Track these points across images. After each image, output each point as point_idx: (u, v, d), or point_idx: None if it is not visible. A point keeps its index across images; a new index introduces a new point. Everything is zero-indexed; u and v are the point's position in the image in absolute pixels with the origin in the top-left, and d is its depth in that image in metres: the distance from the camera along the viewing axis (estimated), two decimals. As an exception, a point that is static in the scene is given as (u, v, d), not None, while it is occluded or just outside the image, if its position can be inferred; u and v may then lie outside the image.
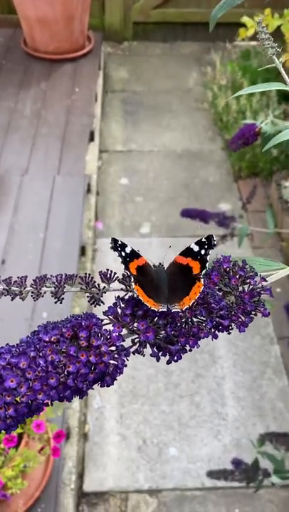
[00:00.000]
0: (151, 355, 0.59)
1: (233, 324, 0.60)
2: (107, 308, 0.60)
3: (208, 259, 0.62)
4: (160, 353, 0.59)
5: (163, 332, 0.58)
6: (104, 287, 0.62)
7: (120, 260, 0.63)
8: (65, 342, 0.55)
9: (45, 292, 0.61)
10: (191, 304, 0.59)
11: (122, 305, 0.60)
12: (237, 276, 0.61)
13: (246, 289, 0.61)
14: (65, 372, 0.54)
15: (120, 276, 0.63)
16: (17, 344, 0.56)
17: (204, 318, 0.58)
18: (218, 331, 0.60)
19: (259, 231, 3.32)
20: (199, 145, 4.31)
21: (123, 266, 0.63)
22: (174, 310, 0.58)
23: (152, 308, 0.58)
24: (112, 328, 0.57)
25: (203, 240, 0.64)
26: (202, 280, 0.60)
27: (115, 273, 0.64)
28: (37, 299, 0.60)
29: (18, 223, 3.16)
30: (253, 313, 0.60)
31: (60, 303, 0.61)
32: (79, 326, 0.56)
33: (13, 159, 3.68)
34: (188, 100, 4.81)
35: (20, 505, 1.94)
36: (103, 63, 5.14)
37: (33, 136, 3.91)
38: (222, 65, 4.73)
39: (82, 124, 4.08)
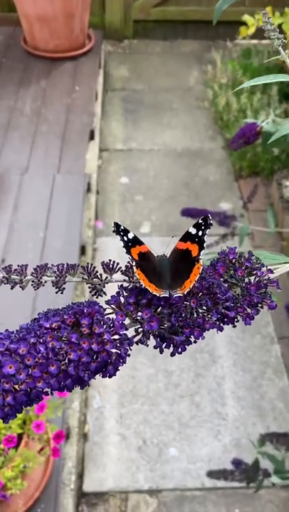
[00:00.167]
0: (154, 346, 0.57)
1: (238, 316, 0.58)
2: (110, 297, 0.58)
3: (205, 239, 0.62)
4: (164, 345, 0.57)
5: (167, 322, 0.56)
6: (107, 278, 0.61)
7: (122, 244, 0.62)
8: (66, 329, 0.53)
9: (45, 281, 0.59)
10: (191, 287, 0.58)
11: (125, 294, 0.58)
12: (243, 268, 0.59)
13: (252, 280, 0.59)
14: (66, 360, 0.52)
15: (123, 268, 0.61)
16: (16, 330, 0.54)
17: (209, 309, 0.56)
18: (224, 324, 0.58)
19: (260, 230, 3.31)
20: (200, 144, 4.29)
21: (124, 250, 0.62)
22: (175, 295, 0.57)
23: (154, 293, 0.57)
24: (114, 317, 0.55)
25: (200, 221, 0.63)
26: (201, 261, 0.60)
27: (118, 263, 0.62)
28: (37, 288, 0.58)
29: (17, 222, 3.14)
30: (260, 305, 0.58)
31: (62, 293, 0.59)
32: (81, 313, 0.54)
33: (12, 158, 3.67)
34: (189, 99, 4.80)
35: (20, 506, 1.93)
36: (103, 61, 5.12)
37: (33, 134, 3.90)
38: (223, 64, 4.72)
39: (82, 122, 4.06)
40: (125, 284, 0.59)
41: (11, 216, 3.17)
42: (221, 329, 0.58)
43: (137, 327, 0.56)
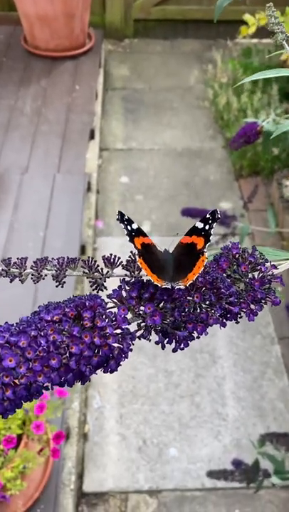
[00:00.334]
0: (156, 342, 0.56)
1: (242, 312, 0.57)
2: (112, 291, 0.57)
3: (212, 232, 0.61)
4: (166, 340, 0.56)
5: (170, 317, 0.55)
6: (108, 272, 0.60)
7: (125, 233, 0.62)
8: (68, 322, 0.52)
9: (46, 275, 0.58)
10: (194, 280, 0.57)
11: (127, 288, 0.57)
12: (247, 263, 0.58)
13: (256, 276, 0.58)
14: (68, 354, 0.51)
15: (124, 262, 0.60)
16: (17, 323, 0.53)
17: (213, 304, 0.55)
18: (226, 319, 0.57)
19: (260, 230, 3.30)
20: (200, 143, 4.28)
21: (128, 238, 0.61)
22: (177, 287, 0.57)
23: (155, 283, 0.56)
24: (117, 311, 0.54)
25: (208, 216, 0.63)
26: (206, 254, 0.59)
27: (119, 258, 0.61)
28: (37, 282, 0.57)
29: (18, 222, 3.13)
30: (263, 301, 0.57)
31: (62, 286, 0.58)
32: (83, 306, 0.53)
33: (13, 157, 3.66)
34: (189, 98, 4.79)
35: (20, 506, 1.92)
36: (104, 61, 5.12)
37: (33, 134, 3.89)
38: (223, 63, 4.71)
39: (82, 122, 4.05)
40: (127, 279, 0.58)
41: (11, 216, 3.16)
42: (224, 325, 0.57)
43: (139, 321, 0.55)
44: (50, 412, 1.90)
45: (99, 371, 0.54)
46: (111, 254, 0.61)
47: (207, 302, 0.55)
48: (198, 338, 0.56)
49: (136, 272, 0.59)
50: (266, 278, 0.57)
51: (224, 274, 0.59)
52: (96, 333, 0.52)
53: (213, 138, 4.33)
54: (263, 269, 0.58)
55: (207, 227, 0.62)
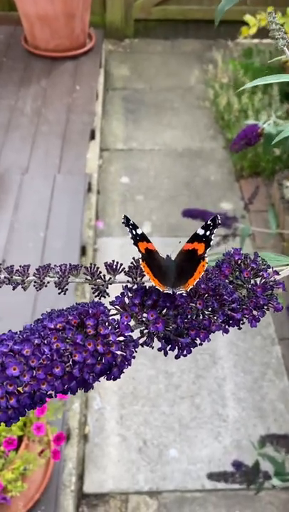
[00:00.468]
0: (159, 349, 0.56)
1: (244, 319, 0.57)
2: (114, 297, 0.57)
3: (212, 238, 0.62)
4: (168, 347, 0.56)
5: (173, 324, 0.55)
6: (110, 278, 0.60)
7: (130, 236, 0.62)
8: (71, 329, 0.52)
9: (48, 282, 0.58)
10: (196, 286, 0.57)
11: (130, 294, 0.57)
12: (249, 269, 0.58)
13: (259, 282, 0.58)
14: (71, 362, 0.51)
15: (126, 268, 0.60)
16: (20, 331, 0.53)
17: (216, 311, 0.55)
18: (229, 326, 0.57)
19: (261, 231, 3.29)
20: (200, 143, 4.28)
21: (132, 242, 0.62)
22: (178, 292, 0.57)
23: (157, 287, 0.56)
24: (120, 318, 0.54)
25: (209, 222, 0.63)
26: (206, 259, 0.59)
27: (121, 264, 0.61)
28: (40, 289, 0.57)
29: (18, 222, 3.13)
30: (266, 307, 0.57)
31: (64, 294, 0.58)
32: (86, 314, 0.53)
33: (13, 157, 3.65)
34: (190, 98, 4.78)
35: (20, 508, 1.92)
36: (104, 61, 5.11)
37: (34, 134, 3.88)
38: (224, 63, 4.71)
39: (82, 122, 4.05)
40: (129, 285, 0.58)
41: (12, 216, 3.16)
42: (226, 331, 0.57)
43: (142, 328, 0.55)
44: (50, 413, 1.90)
45: (102, 378, 0.54)
46: (113, 261, 0.60)
47: (210, 309, 0.55)
48: (200, 344, 0.56)
49: (138, 278, 0.59)
50: (268, 284, 0.57)
51: (226, 280, 0.58)
52: (99, 340, 0.52)
53: (213, 138, 4.33)
54: (265, 275, 0.58)
55: (208, 233, 0.62)
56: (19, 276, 0.57)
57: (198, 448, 2.44)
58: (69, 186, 3.46)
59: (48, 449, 1.91)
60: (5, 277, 0.56)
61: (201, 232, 0.63)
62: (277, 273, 0.58)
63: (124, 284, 0.58)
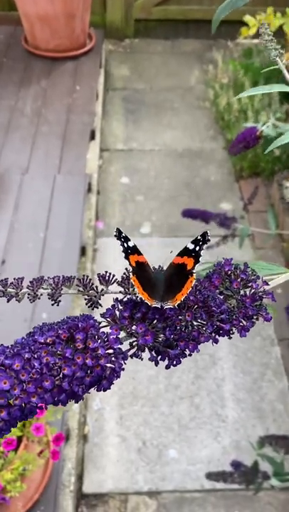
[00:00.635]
0: (149, 359, 0.57)
1: (234, 328, 0.58)
2: (105, 310, 0.58)
3: (201, 253, 0.63)
4: (159, 357, 0.57)
5: (162, 335, 0.56)
6: (103, 290, 0.61)
7: (121, 249, 0.63)
8: (60, 344, 0.53)
9: (41, 294, 0.59)
10: (185, 299, 0.58)
11: (120, 307, 0.58)
12: (239, 280, 0.59)
13: (248, 292, 0.59)
14: (61, 375, 0.52)
15: (119, 279, 0.61)
16: (11, 345, 0.54)
17: (205, 322, 0.56)
18: (219, 335, 0.58)
19: (260, 232, 3.30)
20: (200, 144, 4.29)
21: (124, 255, 0.63)
22: (166, 306, 0.58)
23: (146, 301, 0.57)
24: (109, 331, 0.55)
25: (199, 237, 0.64)
26: (194, 275, 0.60)
27: (114, 275, 0.62)
28: (33, 301, 0.58)
29: (18, 222, 3.14)
30: (255, 317, 0.58)
31: (57, 305, 0.59)
32: (75, 328, 0.54)
33: (13, 158, 3.66)
34: (190, 98, 4.79)
35: (20, 508, 1.93)
36: (104, 61, 5.12)
37: (34, 134, 3.89)
38: (224, 63, 4.72)
39: (82, 122, 4.06)
40: (121, 296, 0.59)
41: (12, 216, 3.17)
42: (216, 341, 0.58)
43: (131, 341, 0.56)
44: (50, 414, 1.91)
45: (92, 389, 0.55)
46: (106, 272, 0.61)
47: (199, 320, 0.56)
48: (190, 355, 0.57)
49: (131, 289, 0.59)
50: (257, 295, 0.58)
51: (217, 291, 0.59)
52: (88, 354, 0.53)
53: (213, 139, 4.34)
54: (254, 286, 0.59)
55: (197, 248, 0.63)
56: (13, 288, 0.58)
57: (197, 448, 2.45)
58: (69, 186, 3.47)
59: (47, 450, 1.92)
60: (0, 290, 0.57)
61: (190, 246, 0.64)
62: (266, 283, 0.59)
63: (116, 297, 0.59)
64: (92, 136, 4.00)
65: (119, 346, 0.55)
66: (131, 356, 0.56)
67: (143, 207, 3.71)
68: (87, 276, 0.60)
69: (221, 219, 2.38)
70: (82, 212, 3.25)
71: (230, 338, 0.59)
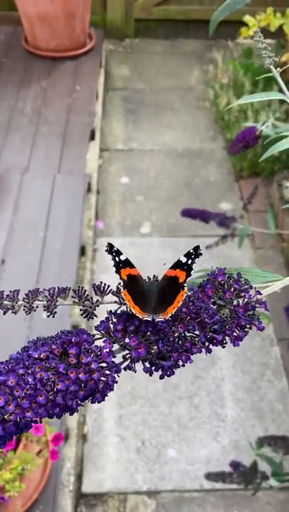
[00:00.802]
0: (143, 370, 0.58)
1: (227, 338, 0.59)
2: (99, 322, 0.59)
3: (193, 267, 0.64)
4: (152, 368, 0.58)
5: (155, 348, 0.57)
6: (98, 300, 0.61)
7: (113, 264, 0.64)
8: (54, 359, 0.54)
9: (37, 306, 0.60)
10: (177, 312, 0.59)
11: (114, 320, 0.58)
12: (232, 290, 0.60)
13: (241, 302, 0.60)
14: (54, 390, 0.53)
15: (114, 289, 0.62)
16: (6, 361, 0.55)
17: (197, 333, 0.57)
18: (212, 345, 0.59)
19: (260, 232, 3.31)
20: (200, 144, 4.29)
21: (114, 269, 0.63)
22: (157, 319, 0.58)
23: (137, 314, 0.58)
24: (103, 344, 0.56)
25: (191, 251, 0.65)
26: (186, 289, 0.61)
27: (109, 286, 0.63)
28: (29, 313, 0.59)
29: (18, 222, 3.15)
30: (248, 327, 0.59)
31: (53, 316, 0.60)
32: (69, 343, 0.54)
33: (13, 158, 3.67)
34: (190, 99, 4.79)
35: (19, 507, 1.94)
36: (104, 61, 5.12)
37: (34, 134, 3.90)
38: (224, 64, 4.72)
39: (82, 122, 4.06)
40: (116, 306, 0.60)
41: (11, 216, 3.18)
42: (209, 351, 0.58)
43: (125, 353, 0.57)
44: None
45: (86, 402, 0.55)
46: (101, 283, 0.62)
47: (191, 331, 0.57)
48: (183, 366, 0.58)
49: (125, 300, 0.60)
50: (250, 304, 0.59)
51: (211, 300, 0.60)
52: (81, 368, 0.53)
53: (213, 139, 4.34)
54: (247, 296, 0.59)
55: (190, 261, 0.64)
56: (9, 301, 0.58)
57: (196, 448, 2.46)
58: (69, 186, 3.48)
59: (46, 449, 1.93)
60: (-4, 303, 0.58)
61: (183, 260, 0.65)
62: (259, 293, 0.60)
63: (109, 309, 0.60)
64: (92, 136, 4.01)
65: (113, 359, 0.56)
66: (124, 369, 0.57)
67: (143, 207, 3.72)
68: (82, 288, 0.61)
69: (220, 219, 2.39)
70: (82, 212, 3.26)
71: (223, 347, 0.60)
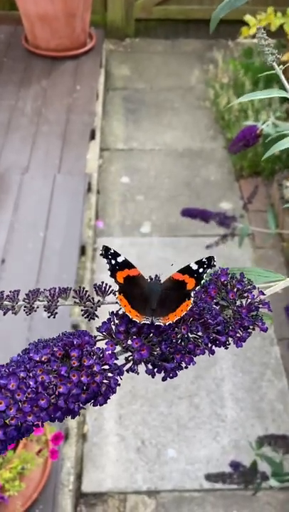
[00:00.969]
0: (146, 372, 0.58)
1: (230, 339, 0.58)
2: (101, 323, 0.58)
3: (204, 277, 0.62)
4: (155, 370, 0.57)
5: (158, 349, 0.56)
6: (99, 301, 0.61)
7: (108, 267, 0.63)
8: (56, 362, 0.53)
9: (37, 307, 0.59)
10: (175, 320, 0.57)
11: (116, 321, 0.58)
12: (234, 290, 0.59)
13: (244, 303, 0.59)
14: (56, 393, 0.52)
15: (115, 289, 0.61)
16: (7, 364, 0.54)
17: (200, 334, 0.57)
18: (215, 346, 0.58)
19: (260, 231, 3.30)
20: (201, 143, 4.29)
21: (109, 273, 0.62)
22: (157, 323, 0.57)
23: (134, 319, 0.57)
24: (105, 346, 0.56)
25: (204, 260, 0.63)
26: (192, 299, 0.59)
27: (110, 286, 0.62)
28: (29, 314, 0.58)
29: (18, 222, 3.15)
30: (251, 328, 0.58)
31: (54, 317, 0.59)
32: (71, 345, 0.54)
33: (13, 158, 3.67)
34: (190, 98, 4.79)
35: (18, 507, 1.93)
36: (105, 60, 5.11)
37: (34, 134, 3.89)
38: (224, 63, 4.71)
39: (83, 122, 4.06)
40: (118, 306, 0.59)
41: (12, 216, 3.17)
42: (212, 352, 0.58)
43: (127, 355, 0.56)
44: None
45: (88, 404, 0.55)
46: (102, 283, 0.62)
47: (194, 333, 0.56)
48: (186, 367, 0.57)
49: (116, 295, 0.60)
50: (253, 305, 0.58)
51: (214, 301, 0.60)
52: (84, 371, 0.53)
53: (214, 138, 4.34)
54: (250, 296, 0.59)
55: (201, 270, 0.62)
56: (9, 301, 0.58)
57: (196, 448, 2.46)
58: (69, 186, 3.48)
59: (46, 449, 1.93)
60: (-4, 303, 0.58)
61: (194, 267, 0.63)
62: (262, 293, 0.59)
63: (111, 310, 0.59)
64: (93, 136, 4.01)
65: (115, 362, 0.55)
66: (127, 371, 0.56)
67: (143, 206, 3.72)
68: (84, 288, 0.60)
69: (220, 218, 2.38)
70: (82, 211, 3.26)
71: (226, 348, 0.59)
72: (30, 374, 0.52)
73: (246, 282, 0.60)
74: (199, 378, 2.70)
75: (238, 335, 0.58)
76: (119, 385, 0.55)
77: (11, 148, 3.74)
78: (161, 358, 0.57)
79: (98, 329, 0.58)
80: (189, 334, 0.56)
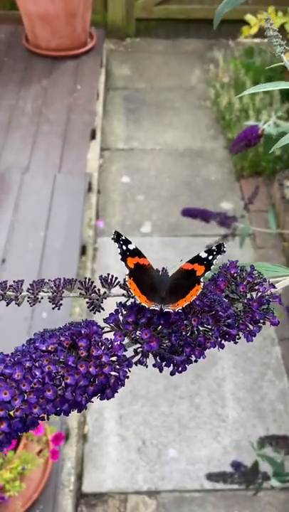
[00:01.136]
0: (154, 365, 0.56)
1: (240, 333, 0.57)
2: (107, 315, 0.57)
3: (214, 262, 0.61)
4: (164, 364, 0.56)
5: (167, 341, 0.55)
6: (105, 293, 0.60)
7: (118, 251, 0.62)
8: (63, 351, 0.51)
9: (42, 298, 0.57)
10: (184, 306, 0.56)
11: (124, 312, 0.56)
12: (245, 283, 0.58)
13: (254, 296, 0.58)
14: (63, 385, 0.50)
15: (122, 281, 0.60)
16: (12, 353, 0.52)
17: (211, 327, 0.55)
18: (225, 340, 0.57)
19: (261, 231, 3.29)
20: (201, 143, 4.28)
21: (120, 257, 0.61)
22: (166, 310, 0.56)
23: (143, 304, 0.56)
24: (113, 337, 0.54)
25: (214, 248, 0.63)
26: (202, 284, 0.58)
27: (116, 278, 0.61)
28: (33, 305, 0.57)
29: (18, 222, 3.14)
30: (262, 321, 0.57)
31: (58, 309, 0.57)
32: (78, 335, 0.52)
33: (13, 157, 3.66)
34: (191, 98, 4.78)
35: (19, 507, 1.92)
36: (105, 60, 5.10)
37: (34, 134, 3.88)
38: (225, 63, 4.70)
39: (83, 121, 4.05)
40: (124, 299, 0.58)
41: (12, 216, 3.16)
42: (222, 347, 0.57)
43: (136, 347, 0.55)
44: (50, 413, 1.90)
45: (95, 398, 0.53)
46: (108, 274, 0.60)
47: (205, 325, 0.55)
48: (196, 361, 0.56)
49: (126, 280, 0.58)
50: (264, 298, 0.57)
51: (223, 294, 0.58)
52: (92, 362, 0.51)
53: (214, 138, 4.33)
54: (261, 289, 0.58)
55: (210, 257, 0.61)
56: (13, 292, 0.57)
57: (197, 448, 2.44)
58: (69, 186, 3.47)
59: (47, 449, 1.92)
60: (-1, 293, 0.56)
61: (203, 255, 0.63)
62: (273, 286, 0.58)
63: (119, 301, 0.58)
64: (93, 136, 4.00)
65: (124, 353, 0.54)
66: (135, 363, 0.54)
67: (143, 206, 3.70)
68: (89, 279, 0.59)
69: (221, 218, 2.37)
70: (82, 211, 3.25)
71: (236, 342, 0.58)
72: (37, 364, 0.50)
73: (256, 275, 0.59)
74: (200, 378, 2.69)
75: (248, 329, 0.56)
76: (127, 377, 0.53)
77: (12, 148, 3.73)
78: (170, 350, 0.55)
79: (105, 320, 0.56)
80: (200, 327, 0.55)
